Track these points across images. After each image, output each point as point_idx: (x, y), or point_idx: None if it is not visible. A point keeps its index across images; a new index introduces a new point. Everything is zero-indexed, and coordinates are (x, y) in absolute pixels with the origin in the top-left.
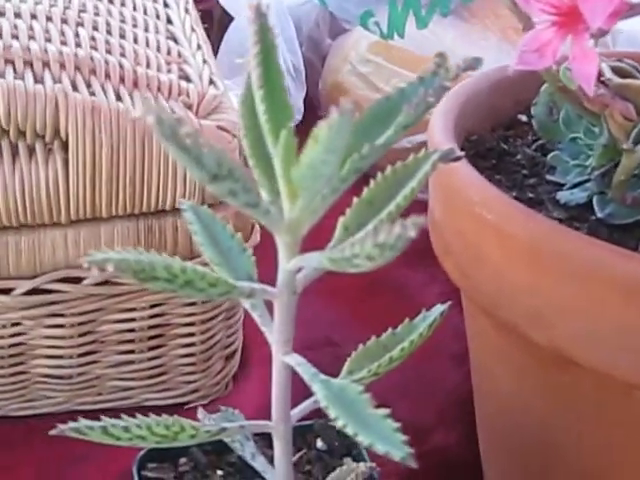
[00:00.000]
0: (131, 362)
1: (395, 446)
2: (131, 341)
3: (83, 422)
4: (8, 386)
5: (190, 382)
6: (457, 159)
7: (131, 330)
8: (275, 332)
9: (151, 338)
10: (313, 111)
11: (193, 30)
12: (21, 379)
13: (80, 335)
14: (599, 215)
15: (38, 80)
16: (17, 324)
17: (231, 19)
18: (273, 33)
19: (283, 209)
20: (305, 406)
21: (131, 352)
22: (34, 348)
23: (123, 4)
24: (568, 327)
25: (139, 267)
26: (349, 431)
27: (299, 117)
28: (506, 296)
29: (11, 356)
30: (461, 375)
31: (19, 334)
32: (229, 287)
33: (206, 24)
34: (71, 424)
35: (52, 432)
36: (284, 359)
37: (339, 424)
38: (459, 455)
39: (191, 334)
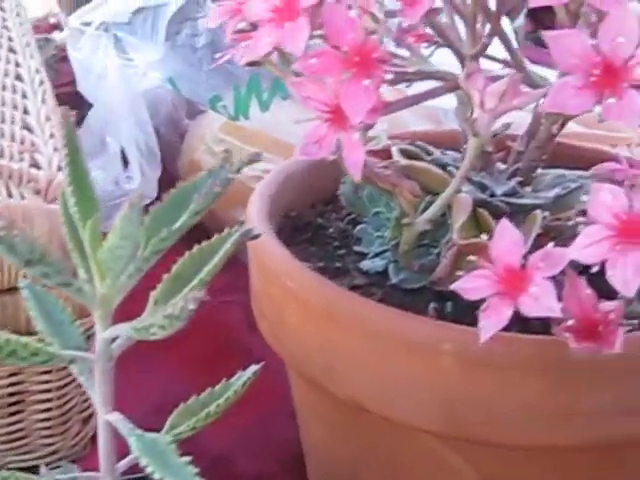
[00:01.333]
0: None
1: None
2: None
3: None
4: None
5: (49, 444)
6: (255, 237)
7: None
8: (97, 394)
9: (11, 405)
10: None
11: (48, 119)
12: None
13: None
14: (394, 281)
15: None
16: None
17: None
18: (78, 138)
19: (96, 287)
20: (128, 460)
21: None
22: None
23: None
24: (358, 379)
25: None
26: (156, 476)
27: (154, 195)
28: (305, 354)
29: None
30: None
31: None
32: (50, 355)
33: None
34: None
35: None
36: (105, 417)
37: (148, 470)
38: None
39: (48, 400)
